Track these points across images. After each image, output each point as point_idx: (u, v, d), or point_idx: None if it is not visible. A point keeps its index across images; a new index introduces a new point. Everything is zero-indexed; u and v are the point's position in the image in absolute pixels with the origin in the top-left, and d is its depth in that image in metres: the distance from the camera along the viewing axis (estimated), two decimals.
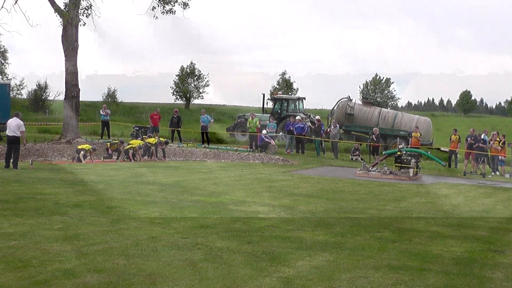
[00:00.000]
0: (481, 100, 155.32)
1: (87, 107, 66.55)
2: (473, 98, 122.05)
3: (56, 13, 35.09)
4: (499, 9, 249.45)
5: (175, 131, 38.19)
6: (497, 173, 31.07)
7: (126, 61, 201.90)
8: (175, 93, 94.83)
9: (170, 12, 37.17)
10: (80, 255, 9.21)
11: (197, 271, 8.60)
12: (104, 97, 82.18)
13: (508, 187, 25.23)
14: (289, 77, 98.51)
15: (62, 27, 34.90)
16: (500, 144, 31.21)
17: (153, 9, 37.00)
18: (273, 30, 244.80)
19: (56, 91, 70.52)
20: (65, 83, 35.33)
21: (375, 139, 34.92)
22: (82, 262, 8.80)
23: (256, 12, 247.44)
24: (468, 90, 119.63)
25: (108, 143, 32.39)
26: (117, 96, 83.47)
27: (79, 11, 35.37)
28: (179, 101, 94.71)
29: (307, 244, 10.93)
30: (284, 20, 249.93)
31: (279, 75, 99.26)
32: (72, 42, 34.66)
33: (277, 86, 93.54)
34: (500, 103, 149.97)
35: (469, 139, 31.85)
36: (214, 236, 11.29)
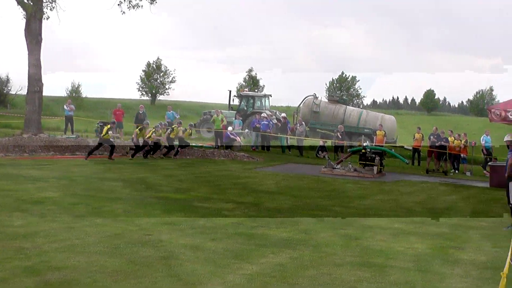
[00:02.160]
0: (444, 99, 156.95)
1: (50, 102, 65.75)
2: (436, 97, 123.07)
3: (19, 6, 34.60)
4: (463, 12, 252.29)
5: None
6: (457, 171, 31.55)
7: (91, 56, 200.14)
8: (140, 89, 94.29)
9: (137, 7, 36.88)
10: (41, 253, 9.11)
11: (161, 268, 8.57)
12: (68, 92, 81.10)
13: (469, 184, 25.59)
14: (256, 74, 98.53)
15: (25, 20, 34.39)
16: (462, 142, 31.64)
17: (119, 4, 36.70)
18: (240, 27, 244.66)
19: (19, 86, 69.30)
20: (28, 77, 34.78)
21: (340, 137, 35.06)
22: (42, 259, 8.70)
23: (223, 8, 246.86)
24: (431, 89, 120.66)
25: (137, 129, 30.61)
26: (81, 91, 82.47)
27: (43, 4, 34.89)
28: (145, 97, 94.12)
29: (271, 241, 10.95)
30: (251, 17, 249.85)
31: (246, 72, 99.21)
32: (35, 36, 34.18)
33: (244, 83, 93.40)
34: (462, 102, 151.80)
35: (432, 137, 32.19)
36: (178, 233, 11.25)
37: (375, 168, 26.73)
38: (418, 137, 33.64)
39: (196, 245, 10.27)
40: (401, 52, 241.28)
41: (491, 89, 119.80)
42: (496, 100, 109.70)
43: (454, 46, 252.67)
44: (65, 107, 38.43)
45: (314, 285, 8.19)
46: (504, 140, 14.78)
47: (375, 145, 31.77)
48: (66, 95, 77.24)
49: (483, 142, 33.72)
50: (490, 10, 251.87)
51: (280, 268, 8.99)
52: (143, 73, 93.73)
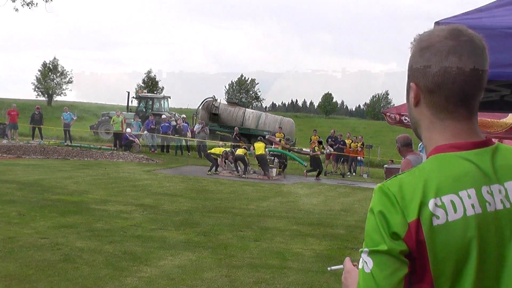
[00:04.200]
0: (342, 103, 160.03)
1: None
2: (334, 100, 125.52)
3: None
4: (360, 18, 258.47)
5: (36, 128, 37.12)
6: (354, 173, 32.32)
7: None
8: (36, 89, 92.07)
9: (31, 5, 35.90)
10: None
11: (57, 272, 8.39)
12: None
13: (365, 186, 26.23)
14: (155, 75, 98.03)
15: None
16: (359, 145, 32.43)
17: (13, 1, 35.62)
18: (138, 28, 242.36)
19: None
20: None
21: (238, 139, 35.32)
22: None
23: (121, 8, 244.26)
24: (330, 92, 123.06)
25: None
26: None
27: None
28: (41, 98, 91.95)
29: (170, 244, 10.90)
30: (149, 18, 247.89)
31: (145, 73, 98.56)
32: None
33: (143, 85, 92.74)
34: (359, 105, 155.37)
35: (329, 140, 32.82)
36: (74, 236, 11.04)
37: (274, 170, 27.01)
38: (315, 140, 34.19)
39: (94, 248, 10.11)
40: (299, 55, 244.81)
41: (387, 93, 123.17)
42: (392, 103, 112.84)
43: (349, 51, 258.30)
44: None
45: (213, 287, 8.21)
46: None
47: (274, 148, 32.09)
48: None
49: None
50: (384, 16, 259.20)
51: (179, 270, 8.96)
52: (39, 73, 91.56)
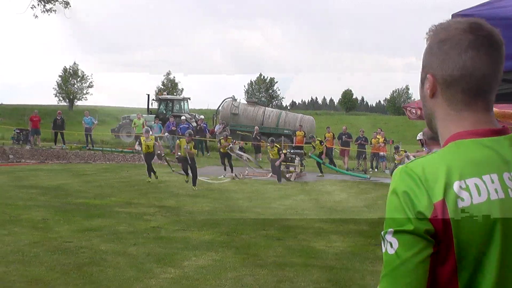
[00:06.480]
0: (362, 99, 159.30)
1: None
2: (354, 96, 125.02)
3: None
4: (377, 12, 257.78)
5: (59, 133, 37.33)
6: (376, 169, 32.18)
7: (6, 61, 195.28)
8: (58, 94, 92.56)
9: (51, 11, 36.18)
10: None
11: (82, 275, 8.44)
12: None
13: (388, 182, 26.00)
14: (174, 77, 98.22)
15: None
16: (382, 141, 32.28)
17: (32, 8, 35.93)
18: (156, 30, 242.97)
19: None
20: None
21: (258, 138, 35.32)
22: None
23: (138, 11, 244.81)
24: (349, 89, 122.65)
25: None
26: None
27: None
28: (62, 103, 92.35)
29: (193, 244, 10.92)
30: (166, 20, 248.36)
31: (164, 76, 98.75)
32: None
33: (162, 87, 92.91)
34: (379, 101, 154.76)
35: (343, 137, 32.79)
36: (98, 239, 11.10)
37: (296, 168, 26.93)
38: (329, 137, 34.11)
39: (117, 250, 10.16)
40: (317, 52, 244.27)
41: (407, 88, 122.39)
42: (412, 98, 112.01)
43: (367, 47, 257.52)
44: None
45: (237, 287, 8.22)
46: (417, 138, 15.13)
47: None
48: None
49: None
50: (401, 9, 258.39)
51: (203, 270, 8.98)
52: (59, 79, 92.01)
